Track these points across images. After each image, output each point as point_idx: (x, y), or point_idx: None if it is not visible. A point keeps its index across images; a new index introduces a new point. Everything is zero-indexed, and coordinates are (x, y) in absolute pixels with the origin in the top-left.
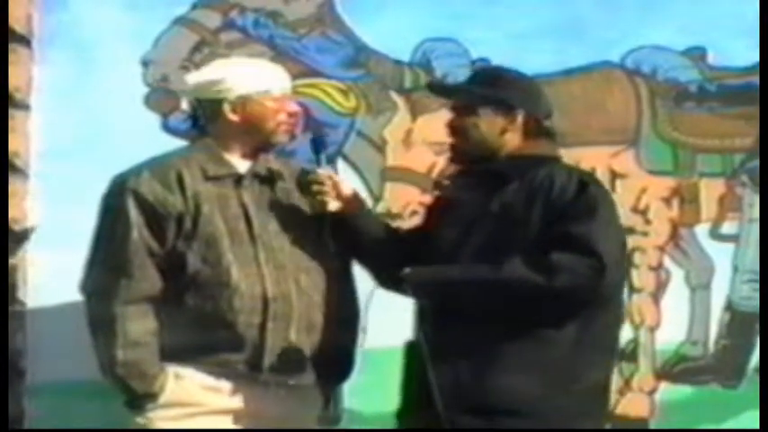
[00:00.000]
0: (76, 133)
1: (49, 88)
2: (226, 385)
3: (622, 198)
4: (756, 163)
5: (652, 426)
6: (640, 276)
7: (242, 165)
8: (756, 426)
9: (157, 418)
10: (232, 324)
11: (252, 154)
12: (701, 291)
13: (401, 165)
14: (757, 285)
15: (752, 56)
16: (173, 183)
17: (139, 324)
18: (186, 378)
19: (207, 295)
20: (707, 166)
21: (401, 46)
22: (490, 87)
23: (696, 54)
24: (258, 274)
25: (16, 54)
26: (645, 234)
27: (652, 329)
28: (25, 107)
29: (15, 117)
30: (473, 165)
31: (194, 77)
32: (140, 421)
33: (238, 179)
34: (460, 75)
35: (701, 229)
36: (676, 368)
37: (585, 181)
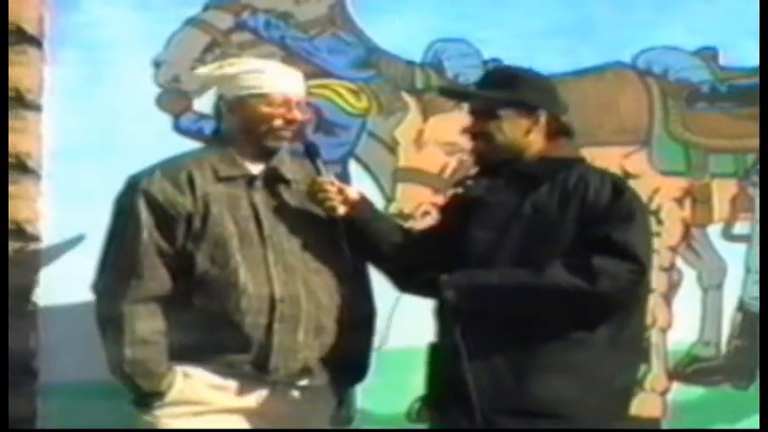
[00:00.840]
0: (88, 134)
1: (61, 89)
2: (233, 384)
3: None
4: None
5: (664, 426)
6: (653, 277)
7: (254, 166)
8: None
9: (165, 415)
10: (239, 325)
11: (263, 155)
12: (713, 291)
13: (413, 165)
14: None
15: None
16: (183, 183)
17: (147, 323)
18: (194, 377)
19: (214, 295)
20: (719, 166)
21: (412, 46)
22: (509, 88)
23: (708, 54)
24: (266, 276)
25: (27, 55)
26: (657, 235)
27: (664, 330)
28: (37, 108)
29: (27, 118)
30: (498, 166)
31: (201, 71)
32: (148, 419)
33: (250, 180)
34: (472, 75)
35: (714, 230)
36: (688, 369)
37: (621, 185)
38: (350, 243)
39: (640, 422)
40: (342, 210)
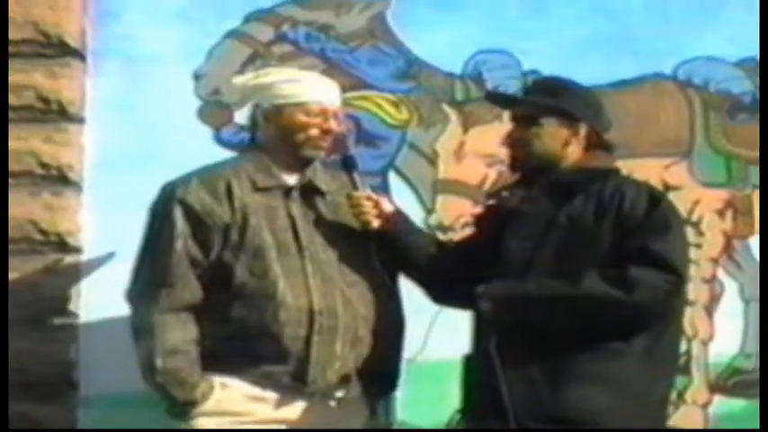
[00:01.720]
0: (130, 146)
1: (103, 101)
2: (271, 395)
3: None
4: None
5: None
6: (694, 289)
7: (290, 176)
8: None
9: (203, 426)
10: (277, 336)
11: (299, 166)
12: (754, 303)
13: (453, 177)
14: None
15: None
16: (221, 193)
17: (178, 332)
18: (232, 388)
19: (252, 307)
20: None
21: (452, 58)
22: (554, 98)
23: (749, 65)
24: (305, 287)
25: (70, 68)
26: (698, 246)
27: (705, 342)
28: (79, 120)
29: (69, 130)
30: (533, 176)
31: (238, 80)
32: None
33: (287, 191)
34: (512, 86)
35: (755, 241)
36: (730, 381)
37: (657, 196)
38: (383, 256)
39: None
40: (376, 223)
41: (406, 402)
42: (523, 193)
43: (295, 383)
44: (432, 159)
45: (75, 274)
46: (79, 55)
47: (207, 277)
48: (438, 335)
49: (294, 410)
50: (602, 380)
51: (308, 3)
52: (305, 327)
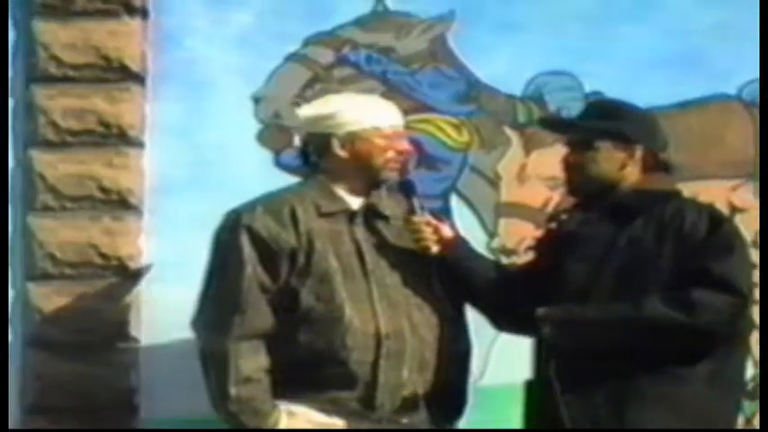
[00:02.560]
0: (189, 170)
1: (163, 125)
2: (339, 422)
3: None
4: None
5: None
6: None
7: (354, 201)
8: None
9: None
10: (344, 361)
11: (363, 190)
12: None
13: (515, 200)
14: None
15: None
16: (286, 219)
17: (252, 361)
18: (299, 415)
19: (319, 332)
20: None
21: (513, 80)
22: (608, 121)
23: None
24: (371, 311)
25: (130, 92)
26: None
27: None
28: (139, 144)
29: (129, 154)
30: (593, 199)
31: (305, 111)
32: None
33: (351, 216)
34: (574, 108)
35: None
36: None
37: (718, 218)
38: (444, 281)
39: None
40: (435, 249)
41: (468, 427)
42: (583, 217)
43: (362, 409)
44: (494, 182)
45: (136, 298)
46: (140, 79)
47: (274, 303)
48: (499, 359)
49: None
50: (666, 404)
51: (368, 25)
52: (372, 351)
